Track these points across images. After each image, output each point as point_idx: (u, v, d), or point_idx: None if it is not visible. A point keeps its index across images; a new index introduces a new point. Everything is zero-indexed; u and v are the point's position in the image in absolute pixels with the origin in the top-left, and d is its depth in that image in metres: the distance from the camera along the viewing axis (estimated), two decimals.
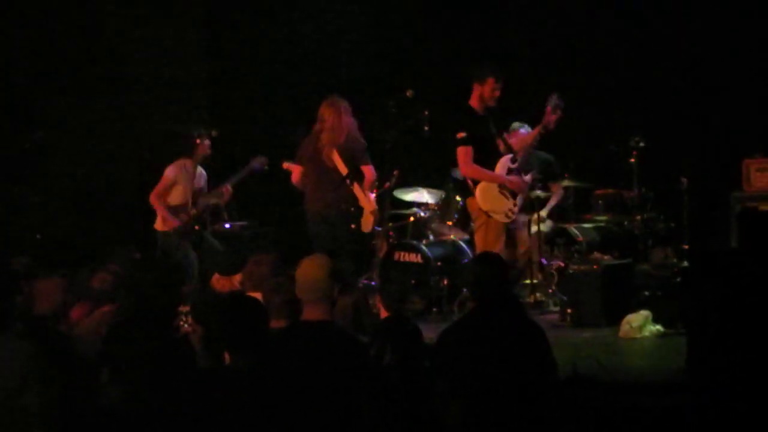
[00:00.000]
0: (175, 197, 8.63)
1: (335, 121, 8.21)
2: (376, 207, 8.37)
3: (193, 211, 8.60)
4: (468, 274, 5.48)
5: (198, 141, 8.61)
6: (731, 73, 9.39)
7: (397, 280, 6.10)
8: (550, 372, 4.80)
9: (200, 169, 8.81)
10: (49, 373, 4.22)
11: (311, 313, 4.55)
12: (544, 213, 9.07)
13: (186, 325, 5.88)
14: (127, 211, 10.04)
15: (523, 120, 9.00)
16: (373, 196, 8.36)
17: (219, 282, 7.58)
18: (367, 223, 8.29)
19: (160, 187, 8.65)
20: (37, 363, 4.18)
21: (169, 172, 8.65)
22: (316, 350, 4.39)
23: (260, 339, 4.21)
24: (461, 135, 7.62)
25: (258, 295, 5.44)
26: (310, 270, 4.63)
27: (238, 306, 4.47)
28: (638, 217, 8.78)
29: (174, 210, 8.62)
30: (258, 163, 8.86)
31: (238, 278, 7.94)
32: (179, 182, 8.60)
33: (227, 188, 8.86)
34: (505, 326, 4.76)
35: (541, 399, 4.69)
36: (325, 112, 8.26)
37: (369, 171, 8.26)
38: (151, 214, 8.79)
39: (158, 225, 8.70)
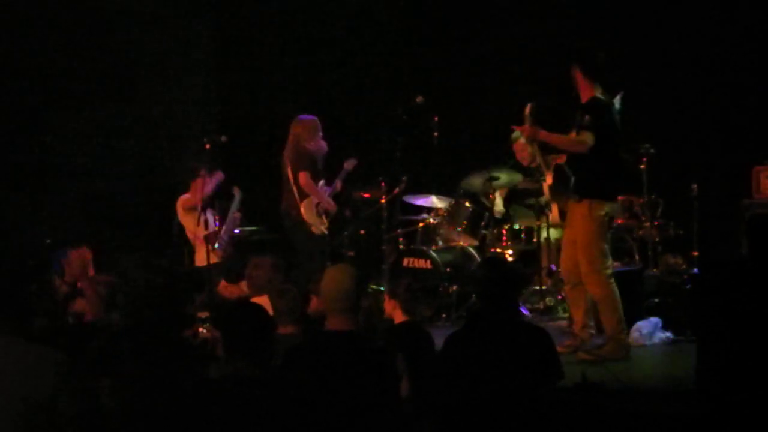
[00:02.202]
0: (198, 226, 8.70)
1: (290, 133, 8.78)
2: (317, 209, 8.71)
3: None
4: (475, 278, 5.47)
5: (202, 178, 8.76)
6: (741, 80, 9.37)
7: (408, 281, 6.07)
8: (557, 378, 4.79)
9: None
10: (84, 382, 4.12)
11: (337, 323, 4.49)
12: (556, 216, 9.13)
13: (205, 331, 5.91)
14: (137, 218, 10.07)
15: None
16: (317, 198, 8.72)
17: (227, 289, 7.61)
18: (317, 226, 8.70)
19: (181, 203, 8.95)
20: (70, 372, 4.06)
21: (180, 205, 8.96)
22: (345, 362, 4.34)
23: (265, 345, 4.17)
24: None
25: (263, 299, 5.45)
26: (338, 280, 4.57)
27: (240, 312, 4.42)
28: (648, 224, 8.77)
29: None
30: (237, 194, 9.32)
31: (245, 284, 7.97)
32: (191, 216, 8.74)
33: (237, 214, 9.21)
34: (511, 332, 4.75)
35: (547, 405, 4.67)
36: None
37: (300, 177, 8.64)
38: (160, 221, 8.86)
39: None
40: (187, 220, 8.90)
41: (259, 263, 6.19)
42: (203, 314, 6.63)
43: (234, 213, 9.18)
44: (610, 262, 7.07)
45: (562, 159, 7.31)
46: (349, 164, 9.10)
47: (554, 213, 8.72)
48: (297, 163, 8.70)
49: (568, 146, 7.13)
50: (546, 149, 7.56)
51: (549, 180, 7.53)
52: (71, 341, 4.71)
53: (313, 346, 4.58)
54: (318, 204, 8.74)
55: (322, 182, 8.89)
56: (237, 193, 9.33)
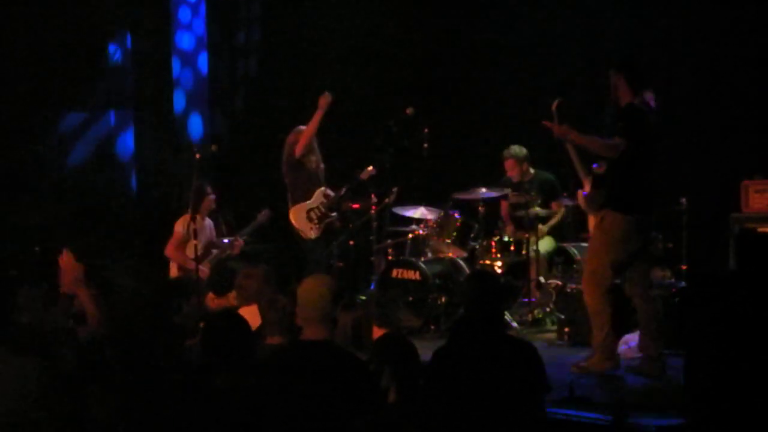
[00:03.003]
0: (189, 252, 8.61)
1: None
2: (308, 214, 8.88)
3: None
4: (462, 290, 5.47)
5: (206, 195, 8.78)
6: (731, 94, 9.40)
7: (386, 296, 6.08)
8: (543, 391, 4.78)
9: (208, 221, 8.90)
10: (62, 389, 4.11)
11: (312, 332, 4.55)
12: (544, 228, 9.15)
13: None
14: (129, 226, 10.05)
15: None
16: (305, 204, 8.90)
17: (214, 301, 7.59)
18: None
19: (173, 241, 8.79)
20: (47, 380, 4.05)
21: (179, 227, 8.78)
22: (316, 370, 4.36)
23: (244, 356, 4.16)
24: None
25: (252, 309, 5.44)
26: (313, 289, 4.62)
27: (220, 323, 4.41)
28: (651, 233, 8.76)
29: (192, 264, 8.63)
30: (263, 216, 9.25)
31: (233, 296, 7.94)
32: (190, 238, 8.57)
33: (239, 241, 9.07)
34: (496, 345, 4.75)
35: (533, 418, 4.67)
36: None
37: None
38: (155, 229, 8.81)
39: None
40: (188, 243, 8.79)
41: (250, 273, 6.18)
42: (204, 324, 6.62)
43: (238, 238, 9.09)
44: (611, 278, 6.87)
45: (601, 168, 7.03)
46: (365, 174, 9.10)
47: (591, 225, 8.57)
48: (286, 171, 8.93)
49: (598, 149, 6.83)
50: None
51: (587, 188, 7.21)
52: (62, 348, 4.68)
53: (288, 354, 4.60)
54: (310, 210, 8.80)
55: (323, 189, 8.98)
56: (262, 217, 9.31)
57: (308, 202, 8.89)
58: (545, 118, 7.00)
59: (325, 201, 8.96)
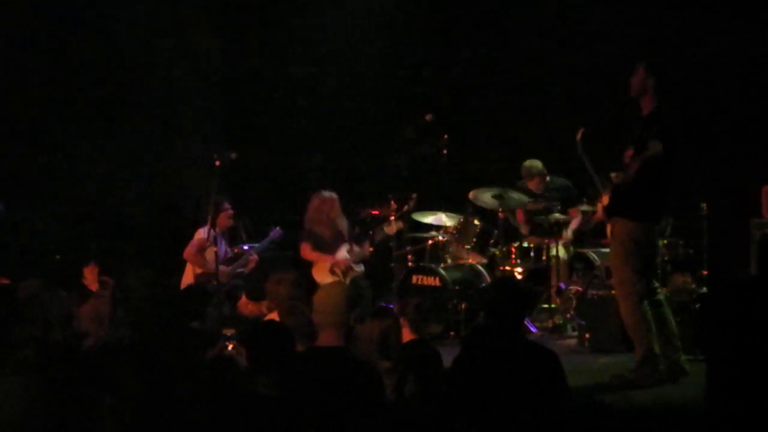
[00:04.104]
0: (209, 260, 8.57)
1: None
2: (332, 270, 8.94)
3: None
4: (485, 298, 5.45)
5: (223, 210, 8.77)
6: (751, 100, 9.37)
7: (418, 300, 6.05)
8: (564, 399, 4.76)
9: (221, 240, 8.92)
10: (57, 408, 4.09)
11: (326, 338, 4.56)
12: (569, 234, 9.13)
13: (231, 348, 5.89)
14: (143, 234, 10.08)
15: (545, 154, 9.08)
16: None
17: (247, 306, 7.59)
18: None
19: (194, 244, 8.75)
20: (42, 400, 4.01)
21: (203, 233, 8.71)
22: (328, 377, 4.38)
23: (285, 364, 4.18)
24: None
25: (273, 315, 5.45)
26: (328, 296, 4.64)
27: (261, 331, 4.43)
28: (657, 243, 8.75)
29: (203, 276, 8.64)
30: (276, 235, 9.28)
31: (266, 303, 7.95)
32: (211, 246, 8.58)
33: (253, 257, 9.05)
34: (518, 353, 4.74)
35: (554, 426, 4.65)
36: None
37: (300, 249, 9.10)
38: (167, 237, 8.83)
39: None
40: (208, 250, 8.79)
41: (280, 278, 6.16)
42: (228, 331, 6.63)
43: (252, 255, 9.10)
44: (639, 286, 6.74)
45: (617, 177, 6.92)
46: (389, 229, 9.22)
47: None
48: (299, 236, 9.08)
49: (640, 169, 6.60)
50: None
51: (605, 201, 7.09)
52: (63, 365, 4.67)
53: (303, 360, 4.60)
54: (333, 264, 8.88)
55: (345, 247, 9.07)
56: (274, 235, 9.34)
57: (331, 258, 8.95)
58: (562, 124, 7.02)
59: (350, 257, 9.03)
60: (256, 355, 4.25)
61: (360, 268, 9.08)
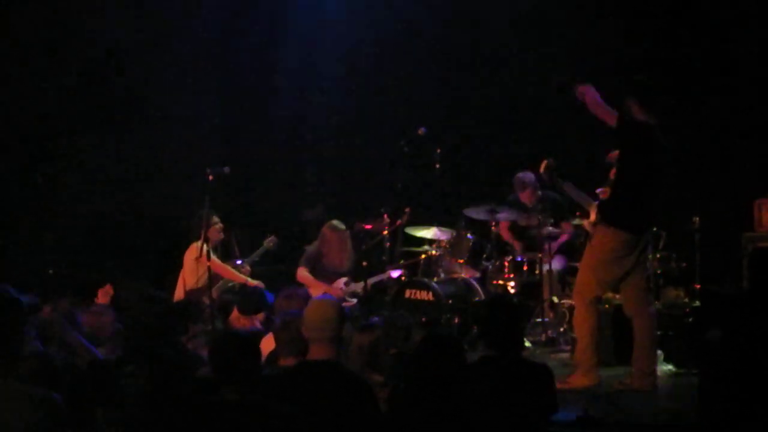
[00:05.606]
0: (200, 280, 8.58)
1: None
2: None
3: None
4: (479, 314, 5.45)
5: (213, 225, 8.73)
6: (743, 113, 9.40)
7: (402, 319, 6.07)
8: (550, 412, 4.76)
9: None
10: (65, 421, 4.07)
11: (318, 352, 4.57)
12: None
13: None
14: (140, 248, 10.07)
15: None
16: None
17: (239, 320, 7.58)
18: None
19: (185, 271, 8.72)
20: (50, 412, 4.00)
21: (188, 256, 8.72)
22: (320, 390, 4.37)
23: (249, 375, 4.14)
24: None
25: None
26: (319, 310, 4.63)
27: (228, 341, 4.40)
28: (650, 257, 8.77)
29: (195, 291, 8.61)
30: (270, 242, 9.33)
31: (260, 317, 7.94)
32: (200, 265, 8.51)
33: (246, 269, 9.07)
34: (513, 369, 4.74)
35: None
36: None
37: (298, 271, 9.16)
38: (164, 251, 8.81)
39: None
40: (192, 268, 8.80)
41: (291, 294, 6.13)
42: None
43: (244, 266, 9.09)
44: (597, 293, 7.05)
45: (605, 194, 7.12)
46: (386, 276, 9.30)
47: None
48: (301, 259, 9.16)
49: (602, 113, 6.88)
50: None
51: (592, 217, 7.29)
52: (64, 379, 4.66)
53: (294, 374, 4.60)
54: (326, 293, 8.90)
55: (344, 279, 9.13)
56: (268, 243, 9.35)
57: (325, 286, 8.97)
58: (555, 134, 7.13)
59: (345, 289, 9.08)
60: (220, 367, 4.22)
61: (353, 300, 9.08)
